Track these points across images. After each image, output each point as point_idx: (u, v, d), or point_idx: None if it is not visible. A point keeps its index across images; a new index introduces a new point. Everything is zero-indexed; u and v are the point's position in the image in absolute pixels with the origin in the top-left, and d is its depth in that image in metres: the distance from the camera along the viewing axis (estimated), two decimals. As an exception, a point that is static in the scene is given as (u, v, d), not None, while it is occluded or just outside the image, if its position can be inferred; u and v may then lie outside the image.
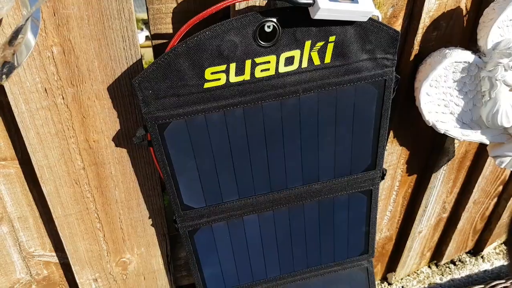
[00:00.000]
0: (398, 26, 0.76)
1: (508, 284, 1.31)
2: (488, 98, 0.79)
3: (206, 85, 0.62)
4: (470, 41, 0.82)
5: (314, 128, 0.74)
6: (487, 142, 0.87)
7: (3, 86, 0.60)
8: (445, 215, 1.22)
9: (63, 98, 0.63)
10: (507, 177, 1.24)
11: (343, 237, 0.92)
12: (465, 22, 0.80)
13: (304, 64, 0.65)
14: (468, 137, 0.85)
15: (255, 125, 0.70)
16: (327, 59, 0.66)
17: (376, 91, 0.72)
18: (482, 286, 1.29)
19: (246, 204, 0.80)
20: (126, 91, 0.65)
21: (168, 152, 0.68)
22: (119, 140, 0.69)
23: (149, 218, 0.81)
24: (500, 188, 1.26)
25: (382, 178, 0.85)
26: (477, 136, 0.86)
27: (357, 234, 0.93)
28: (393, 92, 0.73)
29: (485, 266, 1.45)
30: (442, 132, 0.83)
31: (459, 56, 0.74)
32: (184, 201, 0.75)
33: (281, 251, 0.90)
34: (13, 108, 0.62)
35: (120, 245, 0.82)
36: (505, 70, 0.74)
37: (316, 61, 0.66)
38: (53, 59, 0.60)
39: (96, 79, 0.63)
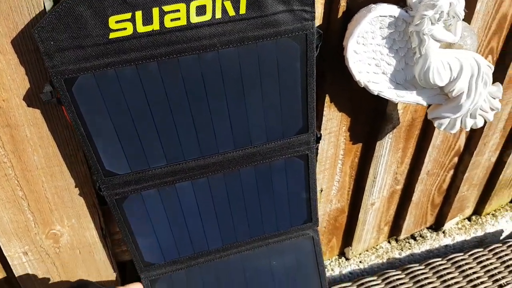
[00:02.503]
0: (322, -20, 0.74)
1: (466, 256, 1.30)
2: (419, 55, 0.78)
3: (112, 35, 0.60)
4: (403, -1, 0.81)
5: (239, 86, 0.72)
6: (424, 103, 0.86)
7: None
8: (399, 187, 1.21)
9: (-35, 54, 0.61)
10: (461, 148, 1.23)
11: (284, 205, 0.91)
12: (395, -22, 0.78)
13: (218, 14, 0.63)
14: (403, 98, 0.84)
15: (174, 82, 0.67)
16: (242, 9, 0.64)
17: (299, 46, 0.70)
18: (440, 259, 1.29)
19: (176, 170, 0.77)
20: (31, 45, 0.62)
21: (80, 110, 0.65)
22: (31, 99, 0.67)
23: (76, 187, 0.79)
24: (456, 159, 1.25)
25: (317, 141, 0.83)
26: (413, 97, 0.84)
27: (298, 202, 0.91)
28: (317, 49, 0.72)
29: (446, 241, 1.45)
30: (376, 94, 0.82)
31: (384, 10, 0.73)
32: (106, 166, 0.72)
33: (221, 220, 0.88)
34: None
35: (48, 215, 0.80)
36: (432, 23, 0.73)
37: (231, 12, 0.64)
38: (-50, 10, 0.57)
39: (-2, 32, 0.60)
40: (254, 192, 0.87)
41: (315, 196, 0.91)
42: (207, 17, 0.63)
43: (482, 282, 1.21)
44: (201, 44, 0.65)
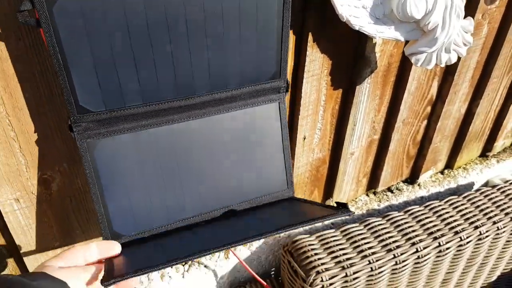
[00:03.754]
0: None
1: (442, 203, 1.36)
2: (396, -12, 0.81)
3: None
4: None
5: (219, 22, 0.72)
6: (402, 39, 0.90)
7: None
8: (376, 136, 1.26)
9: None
10: (434, 97, 1.29)
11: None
12: None
13: None
14: (383, 34, 0.88)
15: (156, 8, 0.67)
16: None
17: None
18: (418, 206, 1.34)
19: (152, 111, 0.74)
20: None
21: (59, 34, 0.62)
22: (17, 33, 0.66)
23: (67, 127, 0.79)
24: (429, 109, 1.31)
25: (287, 90, 0.85)
26: (391, 33, 0.88)
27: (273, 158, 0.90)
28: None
29: (422, 193, 1.51)
30: (357, 29, 0.85)
31: None
32: (80, 102, 0.68)
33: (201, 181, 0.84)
34: None
35: (39, 158, 0.80)
36: (408, -47, 0.77)
37: None
38: None
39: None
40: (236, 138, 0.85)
41: (289, 158, 0.90)
42: None
43: (459, 224, 1.27)
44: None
